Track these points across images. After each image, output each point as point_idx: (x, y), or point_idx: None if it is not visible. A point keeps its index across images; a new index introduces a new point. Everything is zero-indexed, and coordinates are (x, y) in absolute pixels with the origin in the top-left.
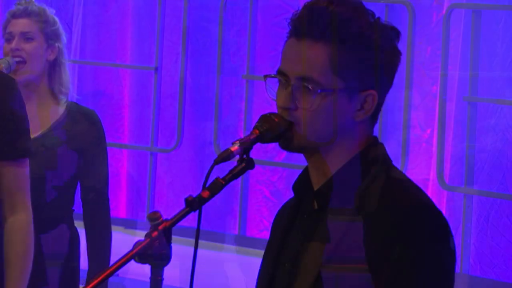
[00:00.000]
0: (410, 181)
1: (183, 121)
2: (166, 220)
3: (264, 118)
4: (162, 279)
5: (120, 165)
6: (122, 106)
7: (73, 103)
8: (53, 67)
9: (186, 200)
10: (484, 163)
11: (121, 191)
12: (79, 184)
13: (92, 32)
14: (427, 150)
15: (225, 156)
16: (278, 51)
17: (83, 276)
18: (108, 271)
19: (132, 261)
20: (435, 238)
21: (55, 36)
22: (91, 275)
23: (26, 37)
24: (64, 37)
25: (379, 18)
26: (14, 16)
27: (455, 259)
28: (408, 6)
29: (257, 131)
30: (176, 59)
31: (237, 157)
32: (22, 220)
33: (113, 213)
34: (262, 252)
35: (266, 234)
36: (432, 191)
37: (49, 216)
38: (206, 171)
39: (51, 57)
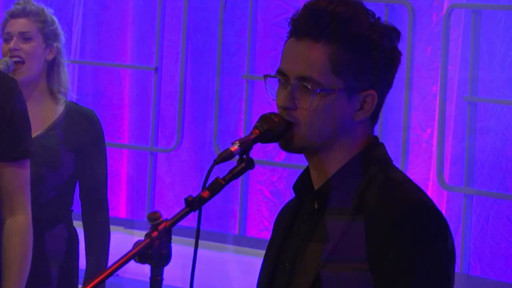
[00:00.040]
0: (410, 181)
1: (183, 121)
2: (166, 220)
3: (264, 118)
4: (162, 279)
5: (120, 165)
6: (122, 106)
7: (72, 103)
8: (52, 67)
9: (186, 200)
10: (484, 163)
11: (121, 191)
12: (78, 184)
13: (92, 32)
14: (427, 150)
15: (225, 156)
16: (278, 51)
17: (82, 276)
18: (108, 271)
19: (132, 261)
20: (434, 238)
21: (54, 36)
22: (88, 274)
23: (25, 37)
24: (63, 37)
25: (379, 18)
26: (13, 16)
27: (455, 259)
28: (408, 6)
29: (257, 131)
30: (176, 59)
31: (237, 157)
32: (20, 222)
33: (113, 213)
34: (262, 252)
35: (266, 234)
36: (432, 191)
37: (48, 216)
38: (206, 171)
39: (50, 57)
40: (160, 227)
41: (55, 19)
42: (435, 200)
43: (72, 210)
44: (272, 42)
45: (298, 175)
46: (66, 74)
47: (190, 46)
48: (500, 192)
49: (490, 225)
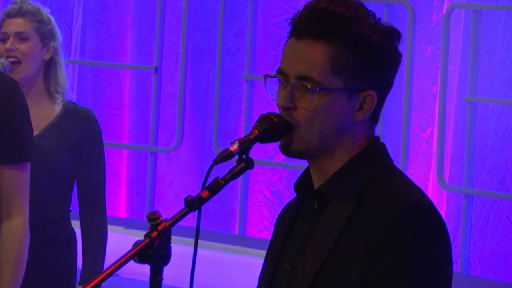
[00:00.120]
0: (409, 181)
1: (183, 121)
2: (166, 220)
3: (264, 118)
4: (161, 279)
5: (120, 165)
6: (122, 106)
7: (70, 102)
8: (49, 66)
9: (185, 200)
10: (484, 163)
11: (121, 191)
12: (75, 183)
13: (92, 32)
14: (427, 150)
15: (225, 156)
16: (278, 51)
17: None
18: (108, 271)
19: (132, 261)
20: (432, 239)
21: (51, 36)
22: (84, 275)
23: (21, 37)
24: (59, 36)
25: (379, 19)
26: (9, 15)
27: (452, 260)
28: (408, 6)
29: (256, 131)
30: (176, 59)
31: (237, 157)
32: (16, 226)
33: (113, 213)
34: (262, 252)
35: (266, 234)
36: (432, 191)
37: (46, 216)
38: (206, 171)
39: (47, 56)
40: (160, 227)
41: (52, 18)
42: (435, 200)
43: (70, 210)
44: (272, 42)
45: (298, 175)
46: (64, 74)
47: (190, 46)
48: (500, 192)
49: (490, 225)
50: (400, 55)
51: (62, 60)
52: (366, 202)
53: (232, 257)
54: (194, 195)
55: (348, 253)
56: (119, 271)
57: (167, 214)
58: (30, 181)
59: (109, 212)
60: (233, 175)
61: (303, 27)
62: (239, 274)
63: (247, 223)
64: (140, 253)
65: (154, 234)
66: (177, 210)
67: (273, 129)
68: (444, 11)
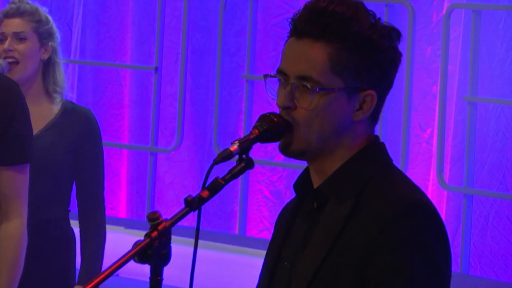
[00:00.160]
0: (409, 181)
1: (183, 121)
2: (166, 220)
3: (263, 118)
4: (162, 279)
5: (120, 165)
6: (122, 106)
7: (68, 102)
8: (47, 66)
9: (185, 200)
10: (484, 163)
11: (121, 191)
12: (74, 183)
13: (92, 32)
14: (427, 150)
15: (225, 156)
16: (278, 51)
17: None
18: (108, 271)
19: (132, 261)
20: (430, 238)
21: (49, 35)
22: (82, 274)
23: (19, 37)
24: (58, 36)
25: (379, 18)
26: (7, 15)
27: (450, 259)
28: (408, 6)
29: (256, 131)
30: (176, 59)
31: (237, 157)
32: (14, 227)
33: (113, 213)
34: (262, 252)
35: (266, 234)
36: (432, 191)
37: (45, 216)
38: (206, 171)
39: (45, 56)
40: (160, 227)
41: (50, 18)
42: (435, 200)
43: (69, 211)
44: (272, 42)
45: (298, 175)
46: (62, 73)
47: (190, 46)
48: (500, 192)
49: (490, 225)
50: (400, 54)
51: (60, 60)
52: (365, 201)
53: (232, 257)
54: (194, 195)
55: (347, 252)
56: (119, 271)
57: (167, 214)
58: (29, 181)
59: (109, 212)
60: (233, 175)
61: (303, 26)
62: (239, 274)
63: (247, 223)
64: (140, 253)
65: (154, 234)
66: (177, 210)
67: (273, 129)
68: (444, 11)
